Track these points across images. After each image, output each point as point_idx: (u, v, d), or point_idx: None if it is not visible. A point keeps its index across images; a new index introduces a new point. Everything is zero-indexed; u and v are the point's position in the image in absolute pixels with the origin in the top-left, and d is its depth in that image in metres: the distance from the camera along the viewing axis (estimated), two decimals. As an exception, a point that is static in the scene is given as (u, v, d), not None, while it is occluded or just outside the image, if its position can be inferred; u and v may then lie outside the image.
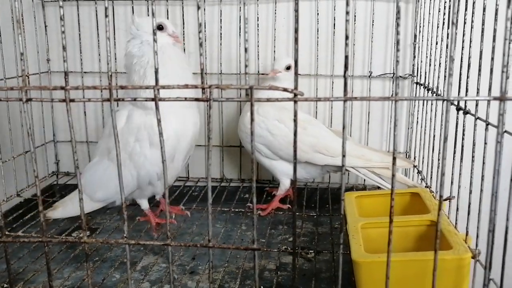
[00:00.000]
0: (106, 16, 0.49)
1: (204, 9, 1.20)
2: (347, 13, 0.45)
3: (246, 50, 0.48)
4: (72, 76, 1.25)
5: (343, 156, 0.48)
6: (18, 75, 1.12)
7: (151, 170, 0.92)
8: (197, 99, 0.48)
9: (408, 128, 1.20)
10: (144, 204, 1.01)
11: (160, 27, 0.94)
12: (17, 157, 1.13)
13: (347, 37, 0.46)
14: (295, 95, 0.47)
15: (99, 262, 0.90)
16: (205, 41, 1.22)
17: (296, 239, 0.99)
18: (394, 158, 0.48)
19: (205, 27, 1.21)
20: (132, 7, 1.22)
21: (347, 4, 0.45)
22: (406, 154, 1.21)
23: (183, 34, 1.22)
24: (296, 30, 0.46)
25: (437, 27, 0.95)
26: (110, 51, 0.49)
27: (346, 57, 0.46)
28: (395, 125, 0.46)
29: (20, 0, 1.14)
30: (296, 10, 0.45)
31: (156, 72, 0.48)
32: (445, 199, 0.80)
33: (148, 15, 1.21)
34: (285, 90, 0.47)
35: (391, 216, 0.49)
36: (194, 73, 1.21)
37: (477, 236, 0.69)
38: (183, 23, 1.22)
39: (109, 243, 0.54)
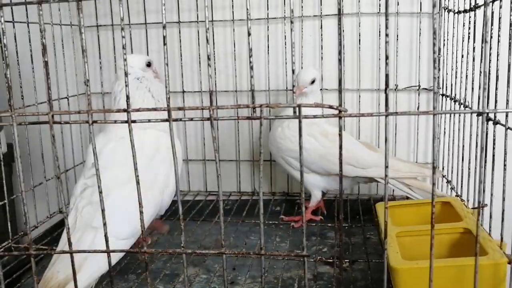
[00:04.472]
0: (165, 44, 0.54)
1: (234, 30, 1.26)
2: (387, 35, 0.49)
3: (293, 71, 0.52)
4: (109, 97, 1.31)
5: (386, 167, 0.52)
6: (59, 97, 1.18)
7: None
8: (248, 118, 0.53)
9: (435, 138, 1.22)
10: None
11: (149, 64, 1.01)
12: (62, 174, 1.19)
13: (387, 57, 0.49)
14: (340, 111, 0.51)
15: (145, 274, 0.94)
16: (234, 60, 1.27)
17: (329, 250, 1.02)
18: (433, 168, 0.51)
19: (234, 47, 1.26)
20: (164, 29, 1.28)
21: (387, 27, 0.49)
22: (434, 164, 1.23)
23: (214, 54, 1.28)
24: (340, 52, 0.50)
25: (462, 41, 0.98)
26: (169, 71, 0.54)
27: (387, 76, 0.50)
28: (434, 138, 0.50)
29: (61, 26, 1.21)
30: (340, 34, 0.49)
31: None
32: (478, 207, 0.83)
33: (180, 38, 1.27)
34: (330, 107, 0.51)
35: (432, 222, 0.52)
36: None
37: (512, 242, 0.72)
38: (213, 44, 1.27)
39: (168, 253, 0.59)
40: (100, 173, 0.85)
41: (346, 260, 0.96)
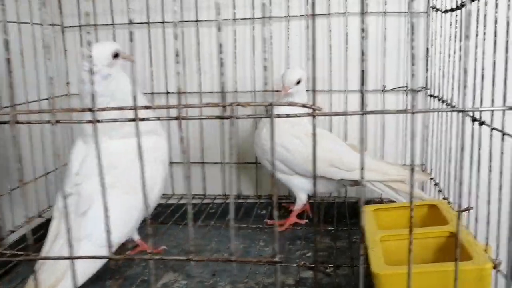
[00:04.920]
0: (131, 40, 0.51)
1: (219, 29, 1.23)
2: (362, 30, 0.47)
3: (265, 68, 0.50)
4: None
5: (362, 169, 0.49)
6: (39, 99, 1.15)
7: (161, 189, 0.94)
8: (219, 117, 0.50)
9: (424, 140, 1.20)
10: (137, 235, 0.99)
11: (116, 55, 0.88)
12: (38, 178, 1.16)
13: (362, 53, 0.47)
14: (314, 110, 0.48)
15: (121, 280, 0.91)
16: (220, 60, 1.25)
17: (313, 255, 1.00)
18: (412, 169, 0.49)
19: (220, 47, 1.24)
20: (149, 30, 1.26)
21: (362, 21, 0.47)
22: (423, 166, 1.21)
23: (198, 54, 1.25)
24: (313, 48, 0.47)
25: (449, 40, 0.96)
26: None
27: (363, 72, 0.48)
28: (412, 137, 0.47)
29: (41, 26, 1.18)
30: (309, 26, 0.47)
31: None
32: (463, 210, 0.80)
33: (165, 38, 1.25)
34: (303, 106, 0.48)
35: (411, 226, 0.49)
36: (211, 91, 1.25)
37: (498, 246, 0.69)
38: (198, 44, 1.25)
39: (134, 259, 0.56)
40: (83, 182, 0.85)
41: (330, 265, 0.93)
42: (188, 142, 1.30)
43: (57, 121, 0.53)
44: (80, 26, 1.29)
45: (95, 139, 0.52)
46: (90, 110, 0.51)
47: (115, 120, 0.52)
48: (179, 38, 1.26)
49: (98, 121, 0.52)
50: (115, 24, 1.28)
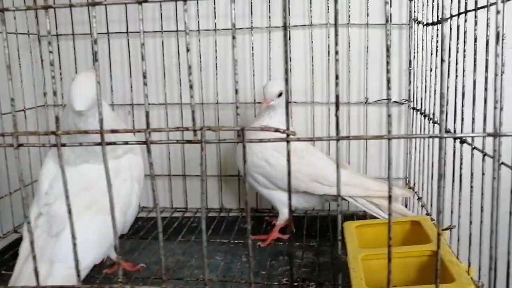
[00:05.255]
0: (96, 60, 0.49)
1: (199, 40, 1.21)
2: (337, 52, 0.45)
3: (237, 91, 0.48)
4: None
5: (338, 196, 0.48)
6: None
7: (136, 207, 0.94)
8: (188, 141, 0.48)
9: (407, 153, 1.19)
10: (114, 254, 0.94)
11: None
12: (13, 193, 1.13)
13: (337, 77, 0.45)
14: (288, 135, 0.46)
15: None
16: (200, 71, 1.23)
17: (296, 271, 0.97)
18: (389, 197, 0.47)
19: (200, 57, 1.22)
20: (128, 39, 1.23)
21: (336, 43, 0.45)
22: (406, 180, 1.20)
23: (179, 65, 1.23)
24: (286, 71, 0.46)
25: (431, 54, 0.95)
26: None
27: (337, 97, 0.46)
28: (389, 164, 0.46)
29: (16, 36, 1.15)
30: (286, 52, 0.45)
31: (148, 115, 0.48)
32: (445, 229, 0.79)
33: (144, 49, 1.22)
34: (276, 130, 0.47)
35: (389, 256, 0.48)
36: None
37: (480, 268, 0.68)
38: (178, 54, 1.23)
39: (104, 287, 0.53)
40: (54, 202, 0.82)
41: (312, 283, 0.91)
42: (168, 154, 1.28)
43: (20, 145, 0.50)
44: (57, 35, 1.26)
45: (60, 163, 0.50)
46: (53, 133, 0.49)
47: (80, 144, 0.49)
48: (159, 50, 1.24)
49: (63, 145, 0.49)
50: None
